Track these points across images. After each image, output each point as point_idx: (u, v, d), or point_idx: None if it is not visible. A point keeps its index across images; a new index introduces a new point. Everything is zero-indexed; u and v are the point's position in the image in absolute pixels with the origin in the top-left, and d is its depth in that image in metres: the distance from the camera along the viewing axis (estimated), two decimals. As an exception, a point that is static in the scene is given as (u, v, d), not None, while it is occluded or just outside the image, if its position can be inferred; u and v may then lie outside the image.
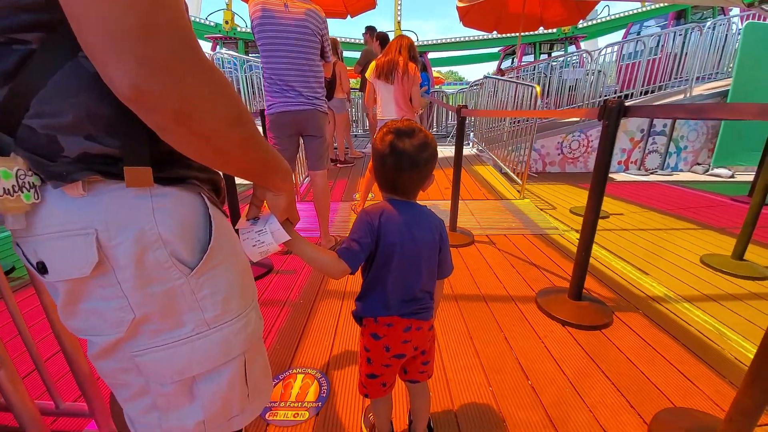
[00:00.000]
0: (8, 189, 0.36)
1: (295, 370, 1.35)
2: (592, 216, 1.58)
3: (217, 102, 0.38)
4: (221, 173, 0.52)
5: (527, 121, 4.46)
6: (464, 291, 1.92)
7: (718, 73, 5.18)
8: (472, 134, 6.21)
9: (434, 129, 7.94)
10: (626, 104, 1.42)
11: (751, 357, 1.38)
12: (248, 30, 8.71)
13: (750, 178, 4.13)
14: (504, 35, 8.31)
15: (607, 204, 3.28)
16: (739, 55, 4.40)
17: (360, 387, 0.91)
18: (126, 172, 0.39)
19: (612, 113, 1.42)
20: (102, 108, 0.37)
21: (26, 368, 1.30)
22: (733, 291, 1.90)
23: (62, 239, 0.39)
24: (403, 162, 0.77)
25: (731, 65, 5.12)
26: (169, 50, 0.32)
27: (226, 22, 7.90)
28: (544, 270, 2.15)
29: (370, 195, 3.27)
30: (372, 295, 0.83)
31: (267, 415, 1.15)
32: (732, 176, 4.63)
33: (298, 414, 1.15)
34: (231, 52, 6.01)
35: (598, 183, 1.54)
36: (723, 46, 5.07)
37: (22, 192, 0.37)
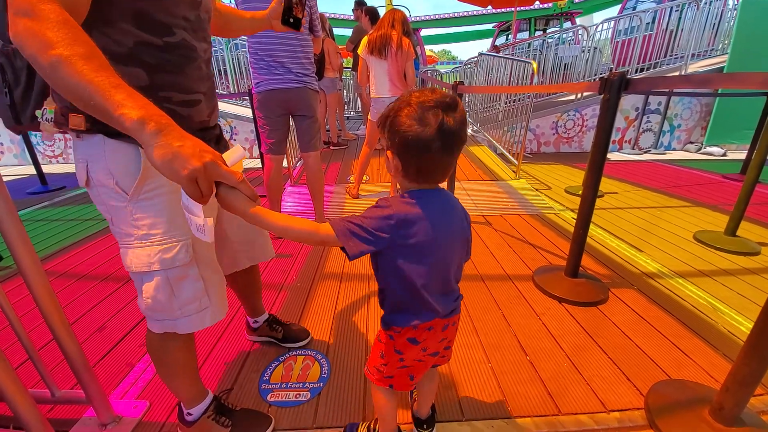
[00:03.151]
0: (50, 119, 0.72)
1: (295, 352, 1.34)
2: (590, 193, 1.57)
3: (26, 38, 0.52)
4: None
5: (522, 100, 4.40)
6: (463, 272, 1.91)
7: (713, 49, 5.13)
8: (467, 114, 6.13)
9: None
10: (628, 77, 1.39)
11: (744, 330, 1.42)
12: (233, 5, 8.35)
13: (742, 156, 4.16)
14: (499, 10, 8.09)
15: (602, 183, 3.26)
16: (736, 31, 4.34)
17: (383, 380, 0.83)
18: (69, 117, 0.68)
19: (613, 86, 1.39)
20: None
21: (19, 358, 1.27)
22: (725, 266, 1.93)
23: (77, 164, 0.74)
24: (451, 143, 0.64)
25: (726, 42, 5.07)
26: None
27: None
28: (541, 249, 2.16)
29: (364, 177, 3.23)
30: (412, 304, 0.73)
31: (269, 397, 1.14)
32: (724, 155, 4.66)
33: (299, 394, 1.15)
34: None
35: (598, 160, 1.52)
36: (718, 23, 5.00)
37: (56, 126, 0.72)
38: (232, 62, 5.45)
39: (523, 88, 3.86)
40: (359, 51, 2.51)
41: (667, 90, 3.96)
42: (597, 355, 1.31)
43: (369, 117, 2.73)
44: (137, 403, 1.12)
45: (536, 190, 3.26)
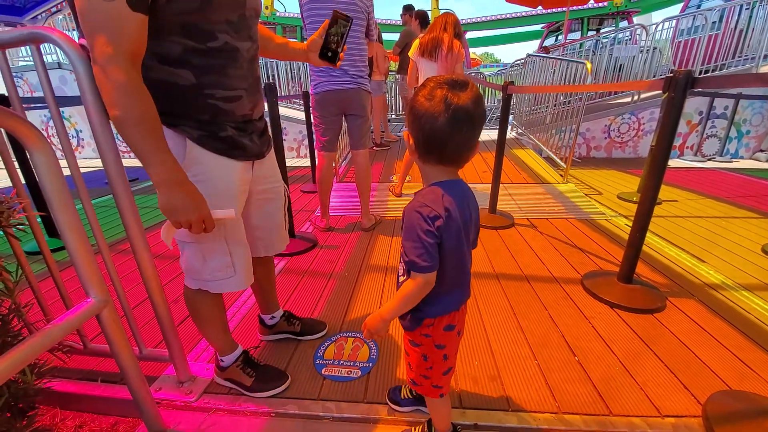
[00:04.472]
0: None
1: (345, 334, 1.43)
2: (649, 196, 1.53)
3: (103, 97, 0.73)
4: (228, 129, 0.89)
5: (572, 102, 4.25)
6: (506, 270, 1.92)
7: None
8: (511, 117, 6.01)
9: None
10: (694, 75, 1.34)
11: (820, 346, 1.32)
12: (286, 15, 8.79)
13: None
14: (549, 10, 7.83)
15: (660, 190, 3.10)
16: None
17: (432, 390, 0.86)
18: None
19: (679, 85, 1.35)
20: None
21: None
22: (801, 282, 1.78)
23: None
24: (459, 120, 0.65)
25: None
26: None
27: (266, 7, 8.01)
28: (590, 254, 2.10)
29: (408, 177, 3.30)
30: (447, 293, 0.77)
31: (323, 371, 1.24)
32: (803, 164, 4.21)
33: (351, 371, 1.24)
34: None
35: (659, 161, 1.47)
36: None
37: None
38: (284, 68, 5.75)
39: (580, 87, 3.72)
40: (410, 53, 2.59)
41: (737, 92, 3.66)
42: (652, 361, 1.28)
43: (416, 118, 2.80)
44: (209, 366, 1.26)
45: (586, 195, 3.16)
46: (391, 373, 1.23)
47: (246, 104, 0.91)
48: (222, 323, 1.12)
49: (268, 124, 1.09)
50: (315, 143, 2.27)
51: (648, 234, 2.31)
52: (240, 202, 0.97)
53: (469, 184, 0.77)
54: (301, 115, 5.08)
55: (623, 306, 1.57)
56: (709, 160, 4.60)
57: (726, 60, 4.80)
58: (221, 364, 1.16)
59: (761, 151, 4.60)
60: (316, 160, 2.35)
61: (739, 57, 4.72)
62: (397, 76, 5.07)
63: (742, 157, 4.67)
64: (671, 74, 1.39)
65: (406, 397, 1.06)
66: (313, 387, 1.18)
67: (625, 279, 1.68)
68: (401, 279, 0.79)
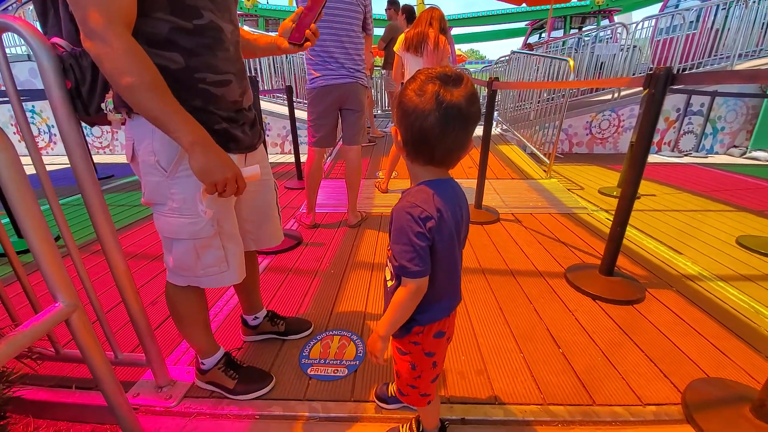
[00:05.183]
0: (112, 109, 0.82)
1: (331, 332, 1.41)
2: (629, 190, 1.56)
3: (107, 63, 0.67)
4: (222, 122, 0.86)
5: (555, 99, 4.32)
6: (491, 265, 1.93)
7: (762, 49, 4.84)
8: (496, 113, 6.06)
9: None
10: (674, 72, 1.37)
11: (791, 333, 1.38)
12: (269, 7, 8.61)
13: (793, 160, 3.93)
14: (533, 8, 7.92)
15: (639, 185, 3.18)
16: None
17: (420, 399, 0.83)
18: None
19: (659, 81, 1.37)
20: None
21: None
22: (771, 271, 1.85)
23: (126, 141, 0.87)
24: (452, 119, 0.60)
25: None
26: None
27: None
28: (573, 247, 2.14)
29: (394, 173, 3.28)
30: (438, 300, 0.74)
31: (309, 370, 1.22)
32: (772, 159, 4.40)
33: (337, 370, 1.22)
34: (252, 30, 5.97)
35: (639, 156, 1.50)
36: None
37: (117, 113, 0.83)
38: (266, 61, 5.63)
39: (565, 84, 3.77)
40: (395, 48, 2.56)
41: (713, 89, 3.79)
42: (633, 351, 1.31)
43: (401, 113, 2.79)
44: (190, 369, 1.22)
45: (568, 190, 3.21)
46: (379, 371, 1.22)
47: (236, 89, 0.88)
48: (204, 323, 1.09)
49: (257, 115, 1.05)
50: (308, 138, 2.23)
51: (628, 227, 2.37)
52: (232, 197, 0.94)
53: (455, 180, 0.75)
54: (285, 110, 5.00)
55: (605, 298, 1.61)
56: (686, 155, 4.75)
57: (702, 59, 4.96)
58: (202, 367, 1.12)
59: (735, 146, 4.78)
60: (306, 155, 2.30)
61: (715, 56, 4.88)
62: (383, 72, 5.04)
63: (717, 153, 4.84)
64: (651, 71, 1.41)
65: (393, 394, 1.05)
66: (298, 387, 1.16)
67: (606, 272, 1.71)
68: (390, 283, 0.76)
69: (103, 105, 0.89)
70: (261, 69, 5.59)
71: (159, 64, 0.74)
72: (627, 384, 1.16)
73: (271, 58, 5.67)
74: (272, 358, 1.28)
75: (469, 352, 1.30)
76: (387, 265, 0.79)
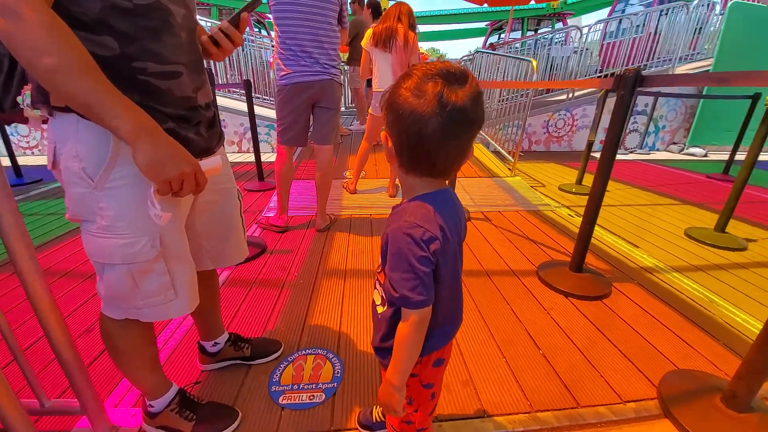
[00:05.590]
0: (29, 104, 0.68)
1: (304, 351, 1.30)
2: (598, 189, 1.59)
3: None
4: (168, 121, 0.70)
5: (516, 98, 4.44)
6: (467, 266, 1.91)
7: (696, 53, 5.31)
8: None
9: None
10: (643, 73, 1.41)
11: (741, 321, 1.48)
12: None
13: (722, 157, 4.35)
14: (495, 8, 8.13)
15: (591, 181, 3.35)
16: (722, 34, 4.49)
17: None
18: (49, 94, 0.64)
19: (628, 83, 1.40)
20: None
21: (1, 361, 1.17)
22: (717, 261, 2.00)
23: (48, 144, 0.69)
24: (457, 124, 0.52)
25: (707, 46, 5.26)
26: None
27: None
28: (541, 245, 2.18)
29: (362, 173, 3.19)
30: (440, 325, 0.66)
31: (280, 399, 1.10)
32: (705, 155, 4.85)
33: (313, 396, 1.11)
34: (204, 20, 5.57)
35: (608, 157, 1.54)
36: (702, 27, 5.18)
37: (35, 109, 0.68)
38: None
39: (534, 84, 3.85)
40: (363, 43, 2.46)
41: (656, 90, 4.07)
42: (608, 348, 1.33)
43: (370, 111, 2.69)
44: (135, 411, 1.05)
45: (532, 187, 3.31)
46: (361, 392, 1.13)
47: (187, 84, 0.74)
48: (151, 360, 0.91)
49: (218, 114, 0.91)
50: (277, 136, 2.07)
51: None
52: (183, 207, 0.79)
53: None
54: (241, 106, 4.71)
55: (576, 294, 1.64)
56: (631, 152, 5.11)
57: (644, 62, 5.35)
58: (150, 409, 0.95)
59: (674, 143, 5.21)
60: (266, 153, 2.14)
61: (658, 59, 5.27)
62: (347, 68, 4.90)
63: (658, 149, 5.25)
64: (621, 73, 1.44)
65: (378, 420, 0.97)
66: (269, 421, 1.03)
67: (576, 268, 1.75)
68: (380, 309, 0.68)
69: (19, 98, 0.73)
70: (215, 62, 5.22)
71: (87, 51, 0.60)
72: (606, 382, 1.18)
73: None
74: (237, 388, 1.14)
75: (453, 362, 1.25)
76: (376, 288, 0.70)
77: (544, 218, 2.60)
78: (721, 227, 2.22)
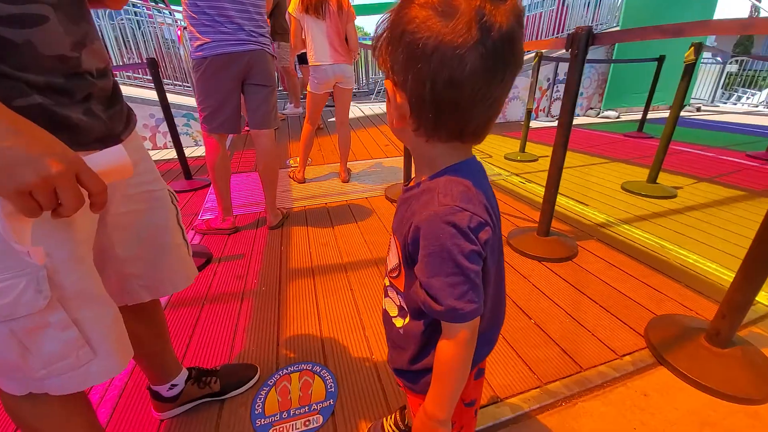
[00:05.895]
0: None
1: (286, 370, 1.11)
2: (559, 153, 1.60)
3: None
4: (32, 92, 0.46)
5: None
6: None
7: (599, 24, 5.82)
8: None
9: (356, 87, 7.54)
10: (594, 31, 1.40)
11: (692, 261, 1.61)
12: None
13: (633, 117, 4.88)
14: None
15: (530, 148, 3.51)
16: (625, 6, 4.96)
17: None
18: None
19: (580, 41, 1.39)
20: None
21: None
22: (655, 210, 2.19)
23: None
24: (501, 58, 0.36)
25: (609, 16, 5.79)
26: None
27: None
28: (503, 213, 2.19)
29: (308, 160, 2.93)
30: (482, 331, 0.49)
31: None
32: (618, 117, 5.41)
33: (309, 420, 0.95)
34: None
35: (566, 120, 1.54)
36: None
37: None
38: (110, 32, 4.43)
39: None
40: (290, 9, 2.17)
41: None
42: (590, 306, 1.35)
43: (309, 88, 2.43)
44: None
45: (481, 159, 3.35)
46: (362, 403, 0.99)
47: (59, 34, 0.48)
48: (86, 428, 0.65)
49: (120, 87, 0.64)
50: (201, 123, 1.73)
51: (537, 187, 2.56)
52: (80, 228, 0.52)
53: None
54: (149, 94, 4.04)
55: (549, 258, 1.66)
56: (557, 119, 5.50)
57: (554, 33, 5.71)
58: None
59: (591, 108, 5.73)
60: (204, 146, 1.81)
61: (561, 33, 5.67)
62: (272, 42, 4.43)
63: (578, 115, 5.73)
64: (573, 32, 1.42)
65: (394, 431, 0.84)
66: (263, 462, 0.85)
67: (543, 233, 1.77)
68: (399, 323, 0.53)
69: None
70: (109, 41, 4.39)
71: None
72: (599, 340, 1.19)
73: (120, 27, 4.48)
74: (211, 431, 0.92)
75: (451, 348, 1.16)
76: (387, 296, 0.56)
77: (499, 187, 2.63)
78: (653, 179, 2.44)
